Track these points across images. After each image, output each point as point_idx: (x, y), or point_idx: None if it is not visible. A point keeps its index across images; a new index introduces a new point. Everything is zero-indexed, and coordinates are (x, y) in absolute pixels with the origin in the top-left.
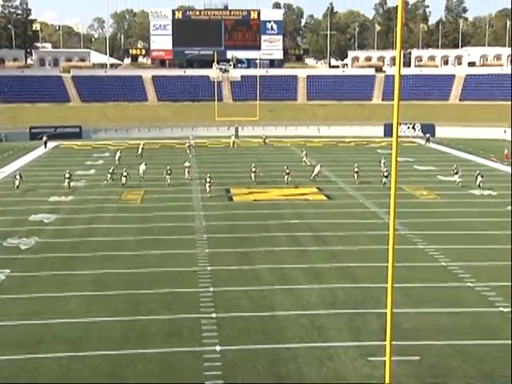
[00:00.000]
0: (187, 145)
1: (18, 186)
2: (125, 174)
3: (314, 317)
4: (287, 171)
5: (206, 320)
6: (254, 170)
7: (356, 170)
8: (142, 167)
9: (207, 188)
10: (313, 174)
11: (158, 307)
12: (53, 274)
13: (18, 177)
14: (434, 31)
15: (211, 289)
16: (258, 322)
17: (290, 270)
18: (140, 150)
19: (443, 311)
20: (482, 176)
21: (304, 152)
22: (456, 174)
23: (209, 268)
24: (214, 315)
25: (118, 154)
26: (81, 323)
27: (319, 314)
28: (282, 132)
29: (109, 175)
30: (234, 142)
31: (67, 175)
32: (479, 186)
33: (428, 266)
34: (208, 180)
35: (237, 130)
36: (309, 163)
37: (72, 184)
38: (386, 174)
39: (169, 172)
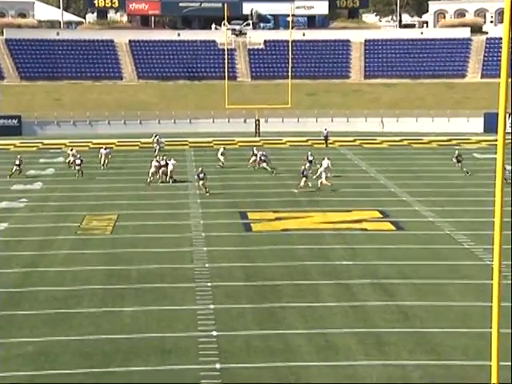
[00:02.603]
0: (156, 149)
1: None
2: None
3: None
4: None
5: None
6: (260, 157)
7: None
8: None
9: (201, 186)
10: (318, 177)
11: None
12: None
13: None
14: None
15: (217, 365)
16: None
17: (337, 338)
18: (103, 158)
19: None
20: None
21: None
22: None
23: (214, 333)
24: None
25: (78, 161)
26: None
27: None
28: (327, 126)
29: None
30: (257, 161)
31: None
32: None
33: None
34: (201, 176)
35: (258, 125)
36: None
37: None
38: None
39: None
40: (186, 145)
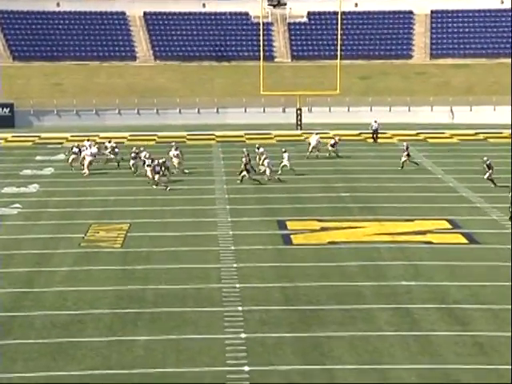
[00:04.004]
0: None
1: None
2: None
3: None
4: None
5: None
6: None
7: None
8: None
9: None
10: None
11: None
12: None
13: None
14: None
15: None
16: None
17: (396, 375)
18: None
19: None
20: None
21: None
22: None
23: (246, 368)
24: None
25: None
26: None
27: None
28: (385, 116)
29: None
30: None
31: None
32: None
33: None
34: (157, 169)
35: (299, 115)
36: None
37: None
38: None
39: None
40: (213, 139)
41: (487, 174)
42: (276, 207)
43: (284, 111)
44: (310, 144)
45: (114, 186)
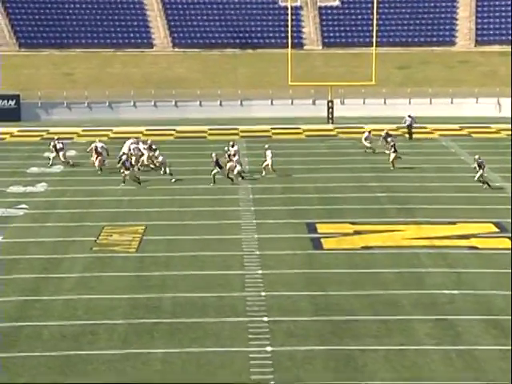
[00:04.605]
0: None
1: None
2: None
3: None
4: None
5: None
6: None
7: None
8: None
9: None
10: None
11: None
12: None
13: None
14: None
15: None
16: None
17: None
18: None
19: None
20: None
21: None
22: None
23: None
24: None
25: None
26: None
27: None
28: (425, 109)
29: None
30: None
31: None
32: None
33: None
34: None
35: (331, 108)
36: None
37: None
38: None
39: None
40: (236, 134)
41: (478, 175)
42: (305, 208)
43: (314, 104)
44: (365, 139)
45: (129, 184)
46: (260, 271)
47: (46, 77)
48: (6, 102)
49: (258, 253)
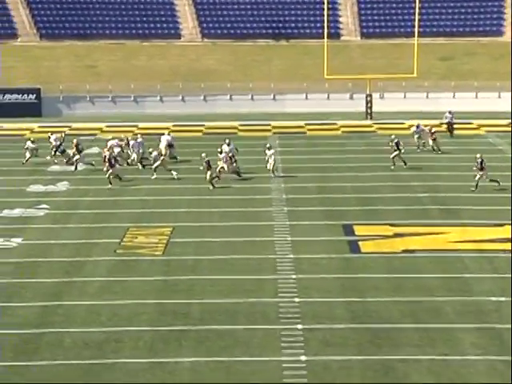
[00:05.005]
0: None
1: None
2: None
3: None
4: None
5: None
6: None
7: None
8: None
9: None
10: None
11: None
12: None
13: None
14: None
15: None
16: None
17: None
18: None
19: None
20: None
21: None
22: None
23: None
24: None
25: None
26: None
27: None
28: (470, 103)
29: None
30: None
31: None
32: None
33: None
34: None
35: (369, 102)
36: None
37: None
38: None
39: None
40: (268, 130)
41: (477, 176)
42: (341, 209)
43: (351, 98)
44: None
45: (154, 183)
46: (294, 276)
47: (68, 69)
48: (25, 96)
49: (291, 256)
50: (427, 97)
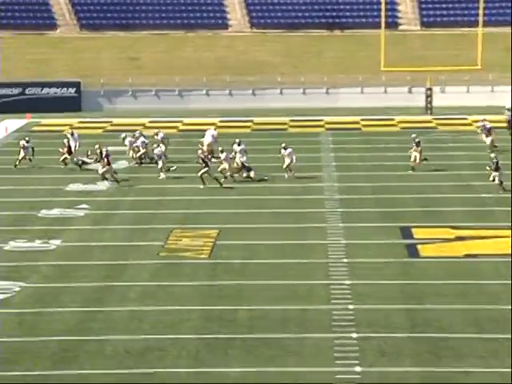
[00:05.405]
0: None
1: None
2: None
3: None
4: None
5: None
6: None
7: None
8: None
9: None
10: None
11: None
12: None
13: None
14: None
15: None
16: None
17: None
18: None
19: None
20: None
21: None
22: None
23: None
24: None
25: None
26: None
27: None
28: None
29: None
30: None
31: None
32: None
33: None
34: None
35: (429, 96)
36: None
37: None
38: None
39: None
40: (321, 126)
41: (491, 177)
42: (399, 211)
43: (410, 91)
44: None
45: (200, 183)
46: (348, 281)
47: (110, 62)
48: (65, 89)
49: (345, 261)
50: (492, 90)
